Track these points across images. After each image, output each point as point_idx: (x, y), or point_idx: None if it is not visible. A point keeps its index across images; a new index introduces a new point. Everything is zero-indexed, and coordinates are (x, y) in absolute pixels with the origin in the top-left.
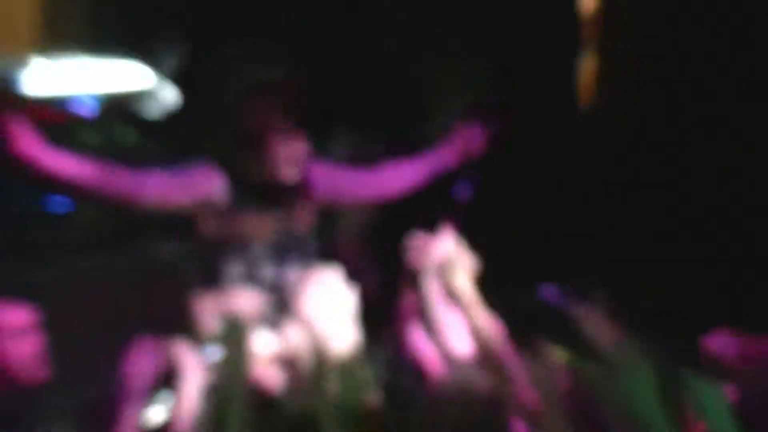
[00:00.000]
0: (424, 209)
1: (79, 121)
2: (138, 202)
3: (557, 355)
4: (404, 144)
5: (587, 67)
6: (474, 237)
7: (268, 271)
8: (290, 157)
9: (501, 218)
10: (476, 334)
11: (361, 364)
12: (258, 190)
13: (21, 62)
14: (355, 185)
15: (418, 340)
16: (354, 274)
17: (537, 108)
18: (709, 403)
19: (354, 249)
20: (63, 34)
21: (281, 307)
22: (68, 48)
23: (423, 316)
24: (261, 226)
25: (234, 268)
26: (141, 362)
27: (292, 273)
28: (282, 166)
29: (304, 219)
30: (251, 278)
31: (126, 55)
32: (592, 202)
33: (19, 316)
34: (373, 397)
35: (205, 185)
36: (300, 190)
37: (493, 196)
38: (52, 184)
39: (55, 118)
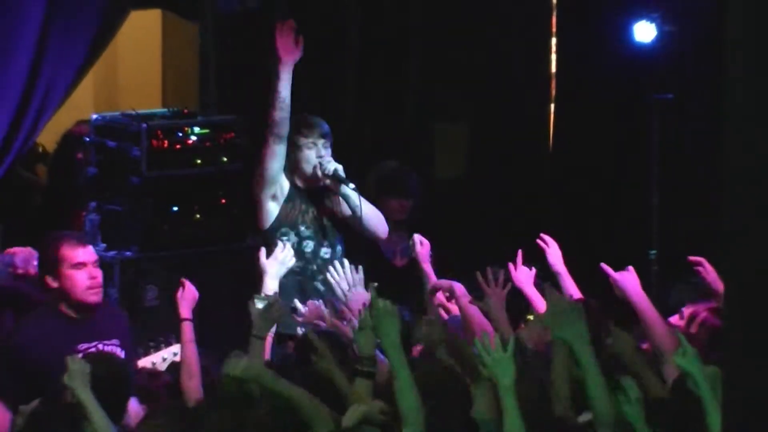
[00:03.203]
0: None
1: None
2: (275, 149)
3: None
4: None
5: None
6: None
7: (310, 245)
8: (318, 155)
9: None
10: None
11: None
12: (301, 192)
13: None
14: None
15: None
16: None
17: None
18: None
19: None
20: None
21: (317, 272)
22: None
23: None
24: (304, 215)
25: (288, 242)
26: None
27: (323, 250)
28: (312, 166)
29: (331, 214)
30: (299, 250)
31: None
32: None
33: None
34: None
35: (284, 179)
36: (328, 194)
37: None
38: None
39: None
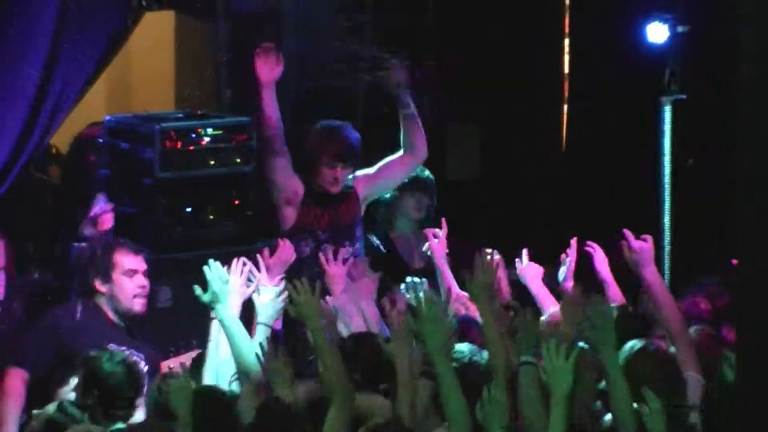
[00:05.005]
0: None
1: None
2: (274, 162)
3: None
4: None
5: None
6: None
7: (329, 248)
8: (333, 176)
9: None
10: None
11: None
12: (318, 196)
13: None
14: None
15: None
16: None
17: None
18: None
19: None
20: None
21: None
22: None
23: None
24: (322, 218)
25: (306, 247)
26: None
27: (343, 250)
28: (327, 183)
29: (348, 215)
30: (317, 254)
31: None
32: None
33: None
34: None
35: (296, 184)
36: (345, 196)
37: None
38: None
39: None
